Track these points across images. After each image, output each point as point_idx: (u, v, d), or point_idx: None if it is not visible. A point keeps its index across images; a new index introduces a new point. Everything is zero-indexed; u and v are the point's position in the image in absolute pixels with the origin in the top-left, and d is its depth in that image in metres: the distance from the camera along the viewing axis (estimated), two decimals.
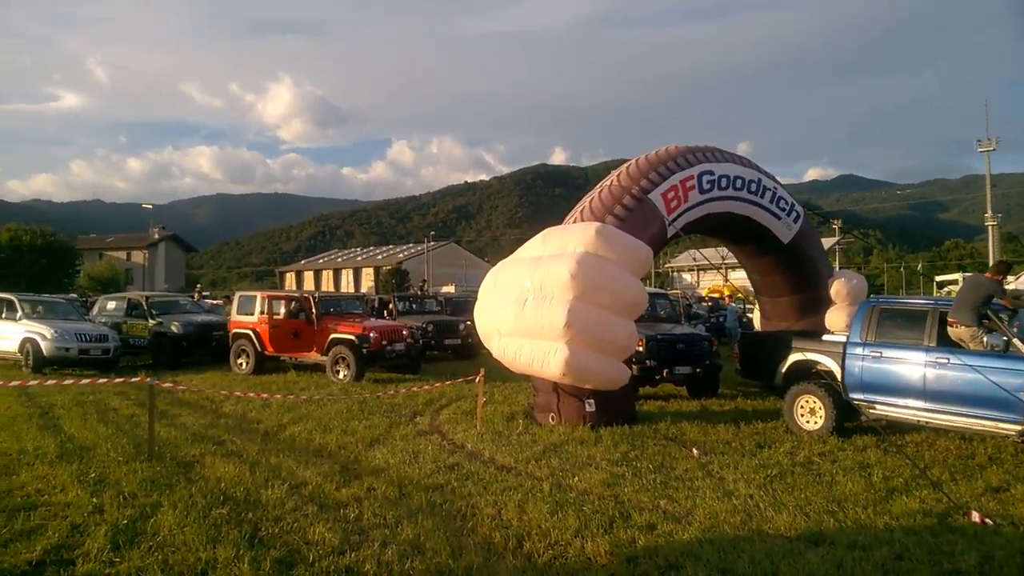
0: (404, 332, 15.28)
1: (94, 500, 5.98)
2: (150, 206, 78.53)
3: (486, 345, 10.54)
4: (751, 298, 32.45)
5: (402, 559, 4.88)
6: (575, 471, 7.35)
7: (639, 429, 9.50)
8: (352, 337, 14.40)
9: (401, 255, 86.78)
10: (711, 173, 11.04)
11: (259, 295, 16.37)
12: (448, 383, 11.34)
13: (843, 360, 9.30)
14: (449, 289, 51.28)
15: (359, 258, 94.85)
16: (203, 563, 4.74)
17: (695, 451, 8.17)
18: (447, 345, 18.84)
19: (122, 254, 75.64)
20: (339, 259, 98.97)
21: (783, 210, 12.05)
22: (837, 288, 12.54)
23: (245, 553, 4.86)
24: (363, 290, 69.02)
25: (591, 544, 5.17)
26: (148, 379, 7.91)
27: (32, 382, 9.44)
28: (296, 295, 16.09)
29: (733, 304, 27.69)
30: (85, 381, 8.80)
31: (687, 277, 78.31)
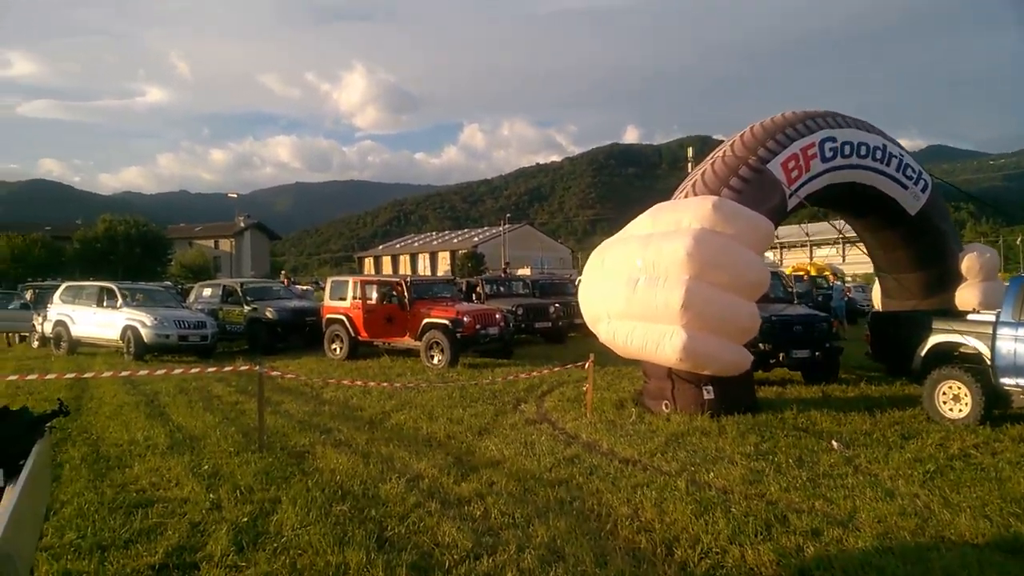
0: (497, 316, 14.91)
1: (211, 496, 5.77)
2: (235, 195, 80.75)
3: (592, 329, 10.04)
4: (835, 277, 30.97)
5: (543, 566, 4.46)
6: (707, 466, 6.80)
7: (764, 418, 8.84)
8: (446, 321, 14.12)
9: (476, 238, 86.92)
10: (833, 140, 10.19)
11: (351, 280, 16.27)
12: (556, 368, 10.90)
13: (992, 341, 8.39)
14: (525, 271, 50.96)
15: (435, 242, 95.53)
16: (334, 568, 4.42)
17: (835, 444, 7.47)
18: (537, 329, 18.42)
19: (210, 242, 78.14)
20: (415, 243, 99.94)
21: (910, 179, 11.08)
22: (969, 263, 11.53)
23: (377, 557, 4.52)
24: (439, 274, 69.43)
25: (751, 552, 4.62)
26: (257, 367, 7.72)
27: (142, 372, 9.38)
28: (389, 280, 15.92)
29: (838, 282, 26.37)
30: (195, 370, 8.69)
31: (769, 255, 75.81)
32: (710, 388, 9.14)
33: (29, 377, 7.74)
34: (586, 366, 9.52)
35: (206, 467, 6.70)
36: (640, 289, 8.87)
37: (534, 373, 11.32)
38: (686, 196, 9.83)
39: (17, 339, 20.73)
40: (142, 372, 9.19)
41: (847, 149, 10.27)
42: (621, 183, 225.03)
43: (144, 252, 56.31)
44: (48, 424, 4.01)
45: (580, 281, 24.57)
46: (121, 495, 5.78)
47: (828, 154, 10.08)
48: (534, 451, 7.35)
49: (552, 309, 18.65)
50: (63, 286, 18.77)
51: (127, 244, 55.50)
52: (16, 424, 3.68)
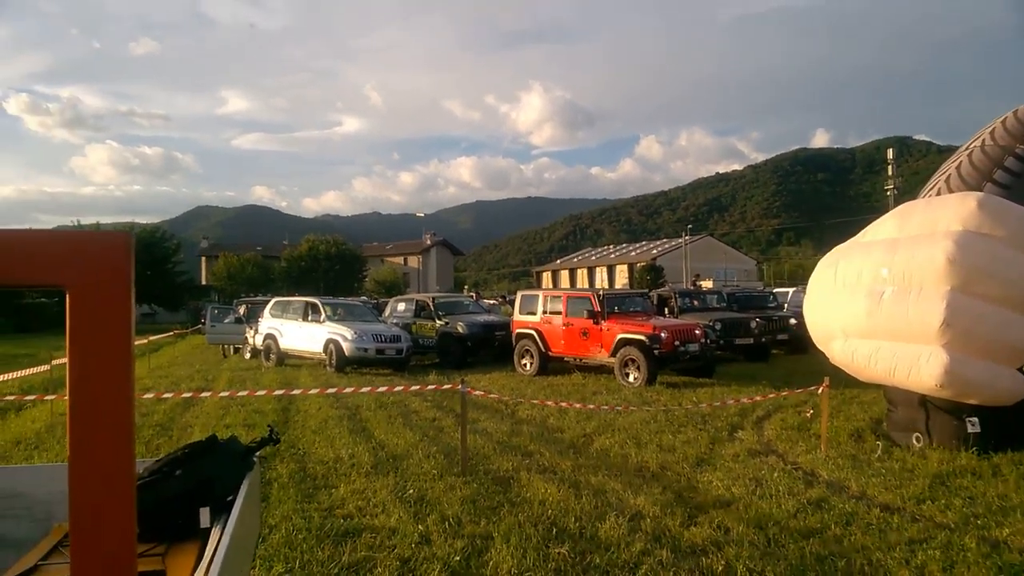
0: (697, 332, 13.82)
1: (419, 527, 5.33)
2: (421, 215, 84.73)
3: (822, 348, 8.79)
4: None
5: None
6: (994, 517, 5.48)
7: None
8: (642, 337, 13.25)
9: (655, 251, 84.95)
10: None
11: (542, 294, 15.88)
12: (784, 393, 9.74)
13: None
14: (707, 284, 48.64)
15: (612, 255, 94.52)
16: None
17: None
18: (737, 345, 17.01)
19: (400, 259, 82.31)
20: (592, 257, 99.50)
21: None
22: None
23: None
24: (616, 288, 68.28)
25: None
26: (460, 386, 7.31)
27: (348, 389, 9.34)
28: (581, 293, 15.32)
29: None
30: (398, 388, 8.48)
31: None
32: (975, 420, 7.63)
33: (240, 393, 7.84)
34: (817, 390, 8.30)
35: (411, 491, 6.33)
36: (887, 303, 7.55)
37: (755, 398, 10.16)
38: (938, 193, 8.35)
39: (232, 351, 22.35)
40: (348, 389, 9.13)
41: None
42: (809, 190, 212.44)
43: (342, 269, 60.13)
44: (258, 455, 3.66)
45: (804, 294, 22.86)
46: (328, 521, 5.49)
47: None
48: (768, 490, 6.34)
49: (754, 324, 17.19)
50: (272, 301, 19.94)
51: (327, 262, 59.54)
52: (224, 458, 3.33)
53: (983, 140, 8.51)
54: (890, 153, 45.24)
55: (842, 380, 12.70)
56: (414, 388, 9.00)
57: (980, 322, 7.06)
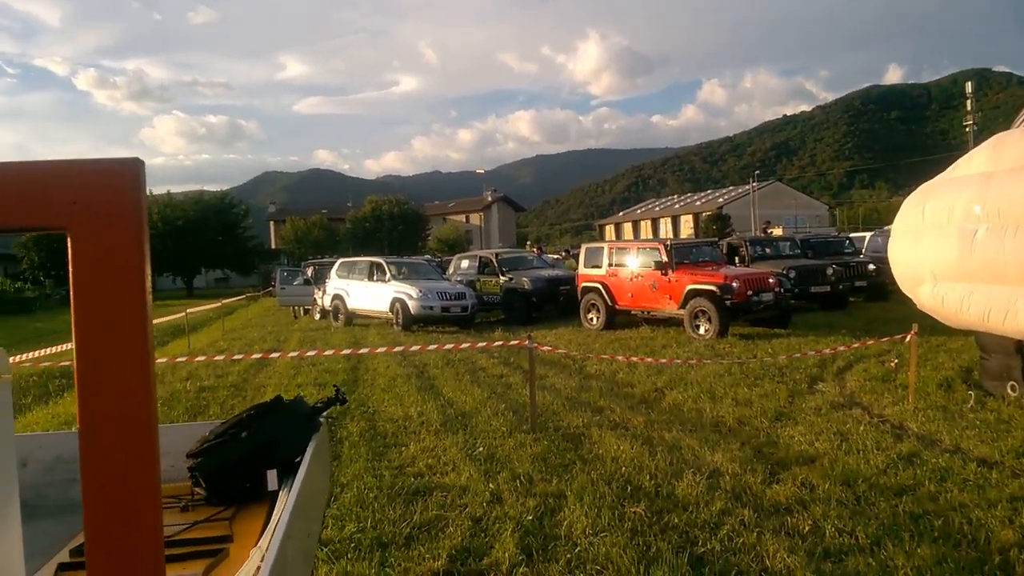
0: (771, 280, 13.30)
1: (490, 486, 5.23)
2: (482, 172, 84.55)
3: (908, 292, 8.26)
4: None
5: None
6: None
7: None
8: (713, 288, 12.82)
9: (721, 199, 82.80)
10: None
11: (607, 246, 15.53)
12: (869, 341, 9.28)
13: None
14: (777, 231, 47.12)
15: (676, 206, 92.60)
16: None
17: None
18: (813, 294, 16.35)
19: (461, 217, 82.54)
20: (656, 208, 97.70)
21: None
22: None
23: None
24: (682, 238, 66.94)
25: None
26: (527, 343, 7.16)
27: (414, 347, 9.32)
28: (647, 244, 14.92)
29: None
30: (465, 346, 8.39)
31: None
32: None
33: (309, 354, 7.86)
34: (903, 339, 7.84)
35: (481, 449, 6.24)
36: (980, 242, 7.00)
37: (837, 348, 9.69)
38: None
39: (302, 312, 22.79)
40: (414, 348, 9.10)
41: None
42: (882, 130, 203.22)
43: (405, 229, 60.65)
44: (325, 414, 3.56)
45: (882, 238, 21.87)
46: (399, 480, 5.44)
47: None
48: (855, 445, 6.02)
49: (830, 271, 16.48)
50: (338, 262, 20.17)
51: (391, 222, 60.11)
52: (289, 419, 3.24)
53: None
54: (968, 87, 42.71)
55: (928, 327, 12.06)
56: (480, 345, 8.88)
57: None
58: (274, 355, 7.73)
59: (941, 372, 8.78)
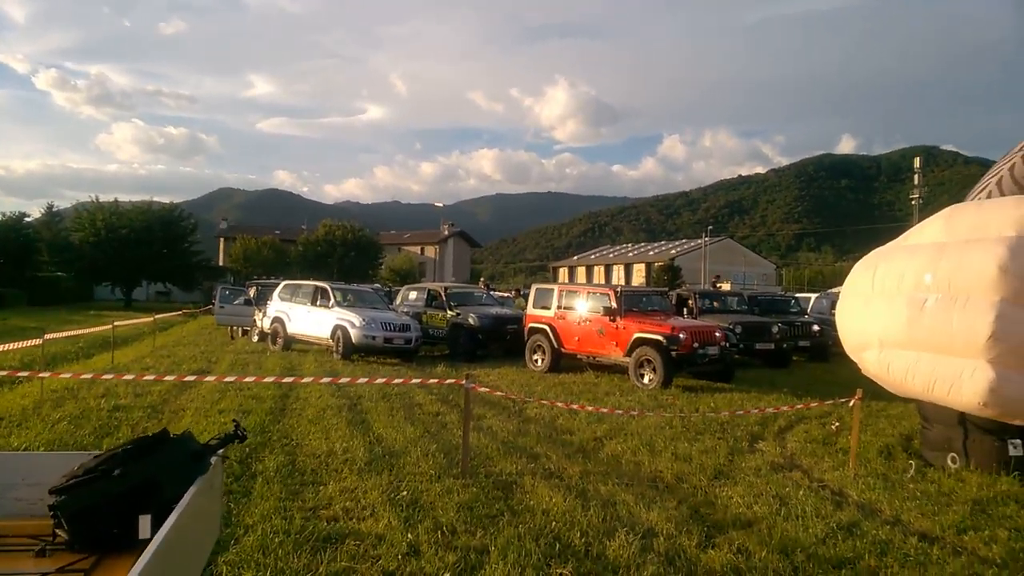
0: (717, 334, 13.23)
1: (409, 536, 4.84)
2: (440, 205, 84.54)
3: (853, 356, 8.21)
4: None
5: None
6: None
7: None
8: (660, 338, 12.68)
9: (673, 251, 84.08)
10: None
11: (557, 288, 15.35)
12: (812, 404, 9.19)
13: None
14: (726, 286, 47.80)
15: (630, 254, 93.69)
16: None
17: None
18: (757, 350, 16.39)
19: (417, 249, 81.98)
20: (610, 255, 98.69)
21: None
22: None
23: None
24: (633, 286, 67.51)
25: None
26: (464, 382, 6.82)
27: (343, 379, 8.88)
28: (597, 289, 14.76)
29: None
30: (397, 381, 8.00)
31: None
32: (1018, 443, 7.08)
33: (247, 379, 7.35)
34: (847, 403, 7.73)
35: (404, 493, 5.84)
36: (929, 312, 6.97)
37: (780, 408, 9.59)
38: (989, 196, 7.75)
39: (240, 333, 22.00)
40: (343, 379, 8.68)
41: None
42: (832, 196, 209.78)
43: (358, 255, 59.72)
44: (219, 454, 3.17)
45: (827, 300, 22.14)
46: (310, 524, 5.01)
47: None
48: (794, 510, 5.80)
49: (775, 329, 16.56)
50: (282, 284, 19.56)
51: (343, 247, 59.14)
52: (172, 457, 2.84)
53: None
54: (917, 161, 44.32)
55: (870, 392, 12.12)
56: (416, 381, 8.51)
57: None
58: (190, 378, 7.17)
59: (882, 438, 8.71)
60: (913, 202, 42.18)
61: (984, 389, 6.53)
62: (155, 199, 53.62)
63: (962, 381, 6.73)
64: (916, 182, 42.69)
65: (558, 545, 4.82)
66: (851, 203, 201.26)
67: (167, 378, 7.78)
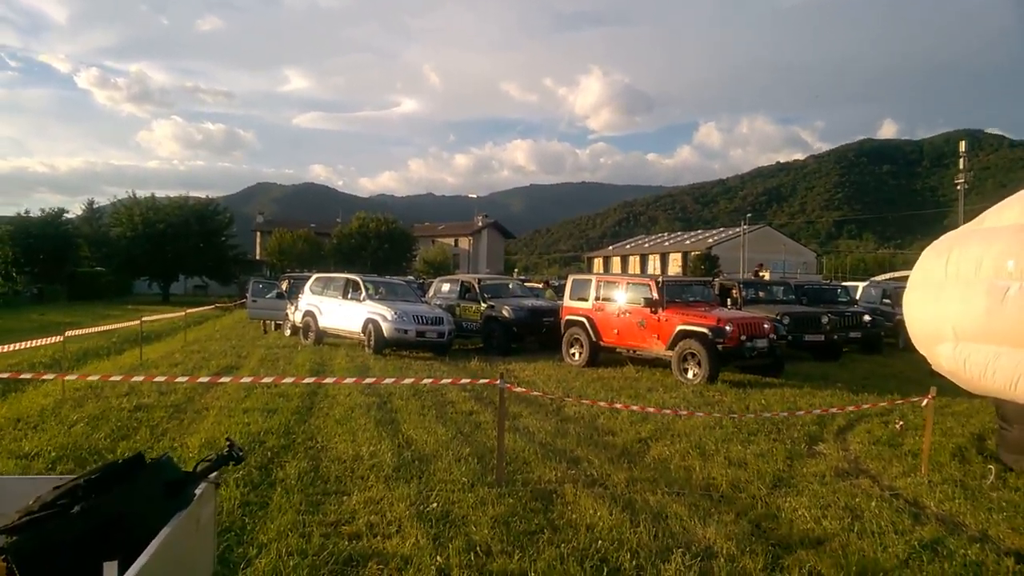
0: (766, 326, 12.52)
1: (438, 558, 4.33)
2: (474, 196, 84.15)
3: (923, 351, 7.50)
4: None
5: None
6: None
7: None
8: (705, 330, 12.01)
9: (710, 240, 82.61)
10: None
11: (595, 279, 14.72)
12: (882, 403, 8.49)
13: None
14: (766, 276, 46.59)
15: (666, 243, 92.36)
16: None
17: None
18: (807, 343, 15.58)
19: (451, 240, 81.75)
20: (646, 244, 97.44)
21: None
22: None
23: None
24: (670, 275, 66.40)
25: None
26: (499, 382, 6.29)
27: (367, 380, 8.41)
28: (638, 279, 14.11)
29: None
30: (427, 381, 7.49)
31: None
32: None
33: (265, 380, 6.92)
34: (920, 401, 7.05)
35: (435, 505, 5.35)
36: (1012, 301, 6.26)
37: (844, 408, 8.89)
38: None
39: (273, 327, 21.79)
40: (367, 380, 8.22)
41: None
42: (873, 183, 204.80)
43: (391, 248, 59.59)
44: (211, 479, 2.68)
45: (875, 289, 21.23)
46: (331, 542, 4.53)
47: None
48: (868, 525, 5.18)
49: (825, 320, 15.74)
50: (313, 277, 19.23)
51: (377, 240, 59.03)
52: (144, 490, 2.35)
53: None
54: (962, 145, 42.61)
55: (930, 386, 11.36)
56: (446, 381, 8.02)
57: None
58: (203, 379, 6.73)
59: (952, 439, 8.00)
60: (959, 187, 40.63)
61: None
62: (195, 195, 53.85)
63: None
64: (961, 167, 41.08)
65: (606, 569, 4.29)
66: (893, 189, 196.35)
67: (179, 379, 7.30)
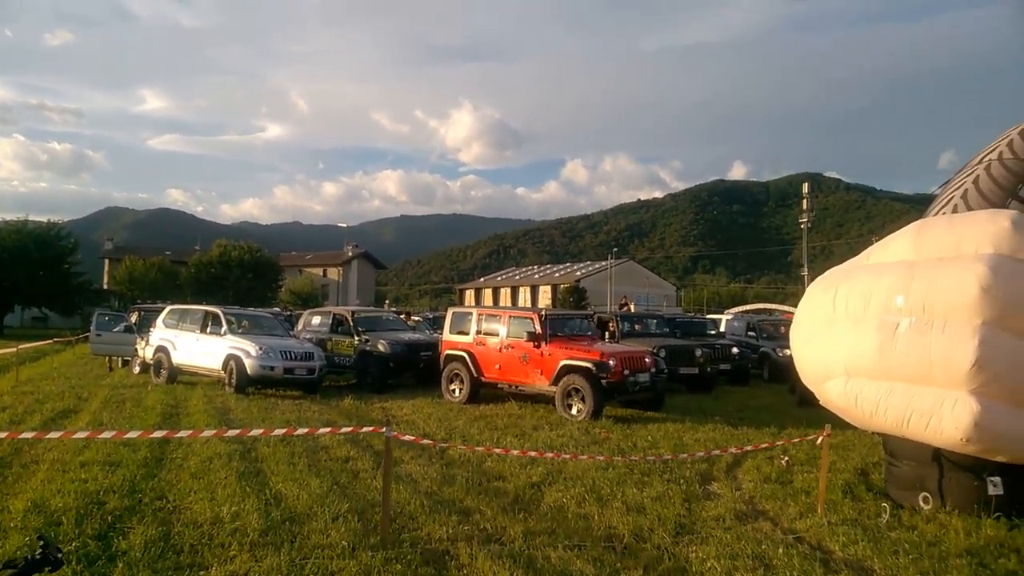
0: (647, 360, 12.48)
1: None
2: (344, 226, 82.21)
3: (812, 387, 7.52)
4: None
5: None
6: None
7: None
8: (588, 365, 11.79)
9: (578, 272, 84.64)
10: None
11: (476, 311, 14.25)
12: (775, 442, 8.46)
13: None
14: (632, 307, 47.97)
15: (536, 276, 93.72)
16: None
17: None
18: (681, 375, 15.79)
19: (319, 270, 79.08)
20: (516, 276, 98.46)
21: None
22: None
23: None
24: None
25: None
26: (385, 430, 5.64)
27: (230, 432, 7.50)
28: (520, 312, 13.77)
29: None
30: (301, 431, 6.71)
31: None
32: (997, 481, 6.48)
33: (103, 435, 5.89)
34: (818, 440, 7.00)
35: None
36: (903, 337, 6.33)
37: (748, 447, 8.81)
38: (955, 210, 7.25)
39: (120, 363, 19.81)
40: (230, 432, 7.28)
41: None
42: (724, 220, 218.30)
43: (255, 278, 56.71)
44: None
45: (738, 322, 21.95)
46: None
47: None
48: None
49: (699, 352, 16.03)
50: (167, 309, 17.64)
51: (240, 269, 56.02)
52: None
53: (999, 153, 7.49)
54: (806, 187, 45.72)
55: (802, 420, 11.64)
56: (324, 430, 7.26)
57: (1018, 364, 5.92)
58: (26, 435, 5.58)
59: (839, 475, 8.04)
60: (803, 225, 43.57)
61: (967, 423, 5.93)
62: (33, 218, 48.98)
63: (942, 414, 6.11)
64: (804, 207, 44.00)
65: None
66: (742, 227, 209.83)
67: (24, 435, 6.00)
